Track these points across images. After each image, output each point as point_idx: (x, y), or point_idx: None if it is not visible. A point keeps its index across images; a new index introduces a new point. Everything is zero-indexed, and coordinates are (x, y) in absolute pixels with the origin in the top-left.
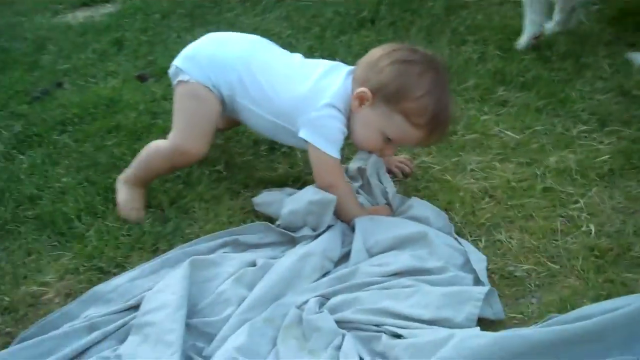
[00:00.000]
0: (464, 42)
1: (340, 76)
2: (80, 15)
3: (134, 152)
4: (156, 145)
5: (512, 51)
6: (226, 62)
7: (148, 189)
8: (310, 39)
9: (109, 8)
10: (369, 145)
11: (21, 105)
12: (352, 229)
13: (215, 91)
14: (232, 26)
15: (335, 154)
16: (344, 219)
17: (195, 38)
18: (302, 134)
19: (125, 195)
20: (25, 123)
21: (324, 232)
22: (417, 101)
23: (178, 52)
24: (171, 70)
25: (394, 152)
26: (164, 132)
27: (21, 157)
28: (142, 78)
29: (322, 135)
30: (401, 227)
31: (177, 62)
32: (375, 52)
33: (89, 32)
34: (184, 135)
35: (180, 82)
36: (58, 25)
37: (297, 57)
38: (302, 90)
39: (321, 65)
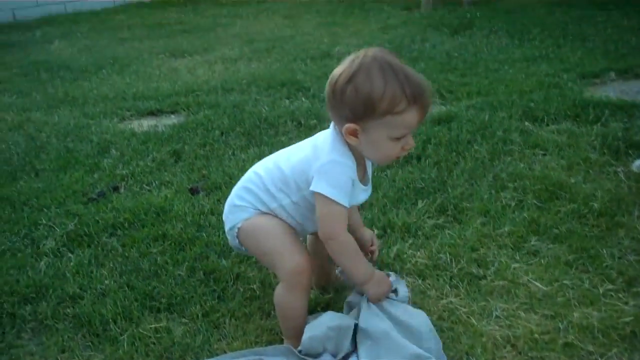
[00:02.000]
0: (504, 188)
1: (328, 130)
2: (146, 124)
3: (176, 262)
4: (276, 293)
5: (549, 202)
6: (245, 178)
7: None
8: None
9: (173, 119)
10: (390, 155)
11: (77, 204)
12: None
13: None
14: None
15: (343, 201)
16: (346, 270)
17: (249, 157)
18: (312, 187)
19: None
20: (78, 222)
21: (344, 357)
22: (385, 98)
23: (231, 168)
24: (230, 239)
25: (412, 140)
26: (206, 246)
27: (70, 255)
28: (194, 191)
29: (329, 182)
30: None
31: (225, 228)
32: (327, 91)
33: (151, 141)
34: (281, 263)
35: (238, 231)
36: (123, 131)
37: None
38: (305, 152)
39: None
